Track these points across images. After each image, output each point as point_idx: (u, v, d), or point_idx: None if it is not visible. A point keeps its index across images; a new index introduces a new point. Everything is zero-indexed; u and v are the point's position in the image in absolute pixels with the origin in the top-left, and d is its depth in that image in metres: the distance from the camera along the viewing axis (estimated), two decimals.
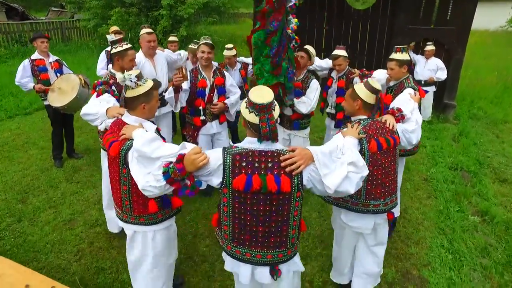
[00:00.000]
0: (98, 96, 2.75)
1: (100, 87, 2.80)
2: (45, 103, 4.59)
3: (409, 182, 4.57)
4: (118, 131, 2.07)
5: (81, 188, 4.32)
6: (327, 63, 4.36)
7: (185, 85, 3.52)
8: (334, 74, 4.23)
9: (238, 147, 1.80)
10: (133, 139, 1.93)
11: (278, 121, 1.99)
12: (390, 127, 2.35)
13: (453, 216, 3.85)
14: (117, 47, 3.03)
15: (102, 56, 5.14)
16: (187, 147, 1.78)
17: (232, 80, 3.95)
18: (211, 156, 1.77)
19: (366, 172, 1.83)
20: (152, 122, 2.25)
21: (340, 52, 4.03)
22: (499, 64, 11.25)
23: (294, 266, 2.01)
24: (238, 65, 4.65)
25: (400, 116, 2.45)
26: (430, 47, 6.34)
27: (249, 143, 1.81)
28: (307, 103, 3.58)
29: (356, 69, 4.09)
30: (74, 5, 13.62)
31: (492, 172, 4.94)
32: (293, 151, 1.77)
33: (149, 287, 2.32)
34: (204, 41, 3.59)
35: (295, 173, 1.73)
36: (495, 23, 19.19)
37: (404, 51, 3.17)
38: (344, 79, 4.07)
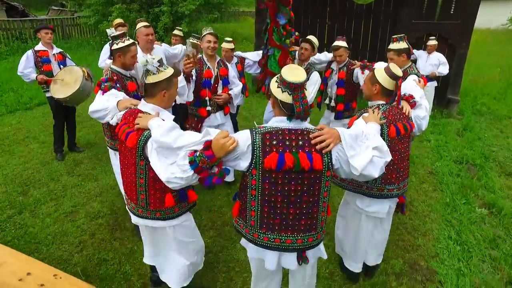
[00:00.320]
0: (104, 93, 2.58)
1: (106, 84, 2.66)
2: (47, 94, 4.53)
3: (414, 176, 4.52)
4: (134, 120, 1.97)
5: (82, 181, 4.27)
6: (326, 56, 4.30)
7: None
8: (334, 65, 4.18)
9: (266, 126, 1.76)
10: (149, 129, 1.86)
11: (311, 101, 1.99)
12: (407, 113, 2.35)
13: (460, 209, 3.80)
14: (118, 42, 2.85)
15: (106, 49, 5.03)
16: (211, 133, 1.73)
17: (234, 72, 3.90)
18: (239, 138, 1.73)
19: (389, 157, 1.83)
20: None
21: (341, 43, 3.98)
22: (501, 62, 11.22)
23: (318, 253, 1.99)
24: (235, 59, 4.62)
25: (413, 103, 2.45)
26: (432, 42, 6.28)
27: (278, 121, 1.78)
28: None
29: (356, 61, 4.04)
30: (75, 2, 13.55)
31: (497, 166, 4.90)
32: (321, 129, 1.76)
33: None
34: (209, 31, 3.54)
35: (325, 151, 1.72)
36: (496, 22, 19.16)
37: (401, 40, 3.18)
38: (345, 70, 4.02)
